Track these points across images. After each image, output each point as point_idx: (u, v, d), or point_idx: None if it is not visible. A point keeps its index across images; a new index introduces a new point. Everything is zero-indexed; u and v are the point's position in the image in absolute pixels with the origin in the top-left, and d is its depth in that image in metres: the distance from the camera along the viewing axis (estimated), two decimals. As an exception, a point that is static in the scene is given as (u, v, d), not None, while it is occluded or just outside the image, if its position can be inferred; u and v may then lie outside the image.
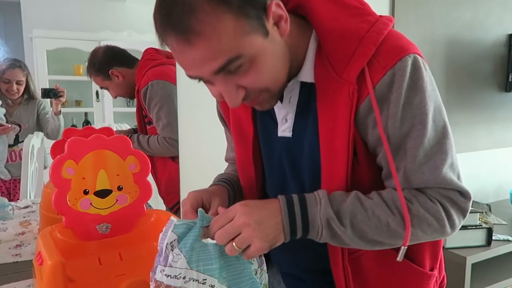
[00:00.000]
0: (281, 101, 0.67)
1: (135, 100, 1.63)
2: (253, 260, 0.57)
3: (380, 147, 0.61)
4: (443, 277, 0.76)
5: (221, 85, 0.57)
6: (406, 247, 0.59)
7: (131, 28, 2.07)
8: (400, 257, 0.58)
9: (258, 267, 0.57)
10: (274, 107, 0.68)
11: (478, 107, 2.33)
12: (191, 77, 0.58)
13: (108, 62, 1.60)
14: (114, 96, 1.70)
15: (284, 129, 0.68)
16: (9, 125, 1.97)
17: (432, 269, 0.71)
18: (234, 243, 0.54)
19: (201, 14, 0.50)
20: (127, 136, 0.84)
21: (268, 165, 0.76)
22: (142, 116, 1.60)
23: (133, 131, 1.71)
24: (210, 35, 0.51)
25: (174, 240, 0.56)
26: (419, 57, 0.59)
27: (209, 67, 0.54)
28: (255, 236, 0.54)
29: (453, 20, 2.17)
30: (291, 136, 0.68)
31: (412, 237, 0.60)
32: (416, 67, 0.58)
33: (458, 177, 0.61)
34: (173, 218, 0.60)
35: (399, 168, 0.61)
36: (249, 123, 0.73)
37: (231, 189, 0.78)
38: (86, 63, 1.66)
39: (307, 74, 0.63)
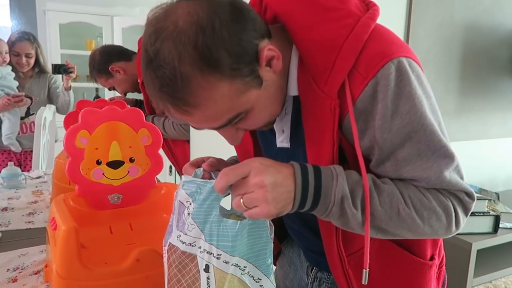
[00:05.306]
0: None
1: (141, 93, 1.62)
2: (268, 226, 0.57)
3: (372, 155, 0.60)
4: (442, 257, 0.76)
5: (221, 130, 0.60)
6: (368, 270, 0.57)
7: (143, 5, 2.05)
8: (364, 280, 0.57)
9: (270, 234, 0.57)
10: None
11: (494, 94, 2.29)
12: None
13: (106, 61, 1.62)
14: (122, 93, 1.70)
15: (282, 140, 0.67)
16: (23, 94, 1.98)
17: (432, 257, 0.71)
18: (242, 201, 0.52)
19: (196, 88, 0.50)
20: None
21: None
22: (152, 108, 1.61)
23: (136, 101, 1.73)
24: (207, 105, 0.52)
25: (190, 204, 0.56)
26: (404, 60, 0.55)
27: (209, 126, 0.57)
28: (265, 199, 0.51)
29: (473, 4, 2.11)
30: (289, 146, 0.67)
31: (415, 232, 0.59)
32: (401, 72, 0.55)
33: (462, 178, 0.60)
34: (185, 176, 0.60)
35: (401, 177, 0.59)
36: (247, 135, 0.73)
37: None
38: (89, 67, 1.67)
39: (292, 87, 0.62)
